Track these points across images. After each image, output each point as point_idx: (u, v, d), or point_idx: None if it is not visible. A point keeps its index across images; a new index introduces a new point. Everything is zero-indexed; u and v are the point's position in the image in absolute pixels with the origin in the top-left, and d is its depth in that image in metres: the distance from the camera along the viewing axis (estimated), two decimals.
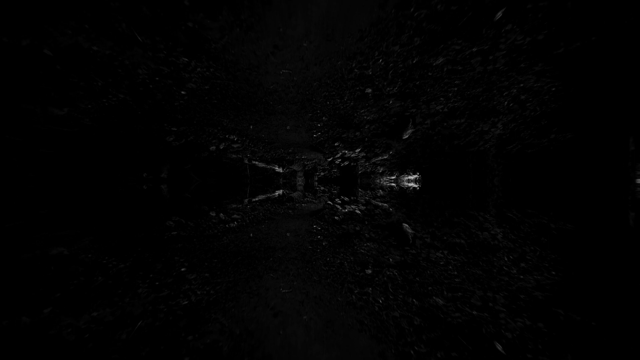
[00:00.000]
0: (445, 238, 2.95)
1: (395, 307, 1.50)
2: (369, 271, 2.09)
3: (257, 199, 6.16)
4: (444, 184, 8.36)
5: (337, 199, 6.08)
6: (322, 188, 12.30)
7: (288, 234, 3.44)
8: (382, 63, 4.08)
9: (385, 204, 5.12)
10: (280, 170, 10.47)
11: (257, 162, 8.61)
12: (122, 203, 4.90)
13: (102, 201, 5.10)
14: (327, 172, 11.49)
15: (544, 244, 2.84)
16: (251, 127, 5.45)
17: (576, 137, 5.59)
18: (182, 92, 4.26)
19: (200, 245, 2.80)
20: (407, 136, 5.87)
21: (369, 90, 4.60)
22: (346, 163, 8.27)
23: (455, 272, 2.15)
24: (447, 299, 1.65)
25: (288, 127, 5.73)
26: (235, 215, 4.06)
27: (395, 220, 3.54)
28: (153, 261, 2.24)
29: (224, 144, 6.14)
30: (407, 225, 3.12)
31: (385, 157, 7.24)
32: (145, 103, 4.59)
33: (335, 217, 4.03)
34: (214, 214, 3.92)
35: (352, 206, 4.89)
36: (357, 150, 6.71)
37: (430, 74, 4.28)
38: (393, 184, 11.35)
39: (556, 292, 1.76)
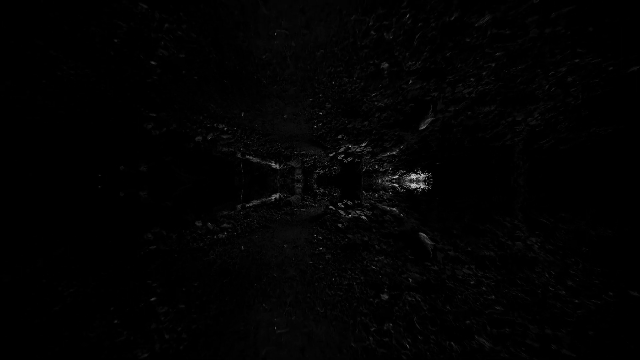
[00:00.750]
0: (470, 249, 2.61)
1: (430, 357, 1.15)
2: (385, 296, 1.75)
3: (251, 204, 5.81)
4: (459, 184, 7.91)
5: (339, 203, 5.72)
6: (322, 190, 11.95)
7: (285, 246, 3.09)
8: (409, 21, 3.23)
9: (394, 208, 4.78)
10: (277, 166, 10.06)
11: (251, 157, 8.12)
12: (93, 209, 4.54)
13: (66, 207, 4.73)
14: (327, 169, 11.10)
15: (585, 254, 2.51)
16: (242, 114, 4.96)
17: (617, 132, 5.14)
18: (152, 63, 3.70)
19: (181, 262, 2.44)
20: (424, 127, 5.32)
21: (385, 65, 4.00)
22: (349, 159, 7.86)
23: (493, 296, 1.80)
24: (494, 339, 1.30)
25: (285, 116, 5.26)
26: (225, 224, 3.71)
27: (409, 228, 3.20)
28: (119, 288, 1.89)
29: (212, 134, 5.67)
30: (424, 235, 2.77)
31: (393, 153, 6.81)
32: (112, 78, 4.01)
33: (339, 225, 3.68)
34: (200, 224, 3.57)
35: (357, 211, 4.55)
36: (363, 144, 6.30)
37: (467, 39, 3.50)
38: (395, 185, 10.97)
39: (624, 322, 1.42)
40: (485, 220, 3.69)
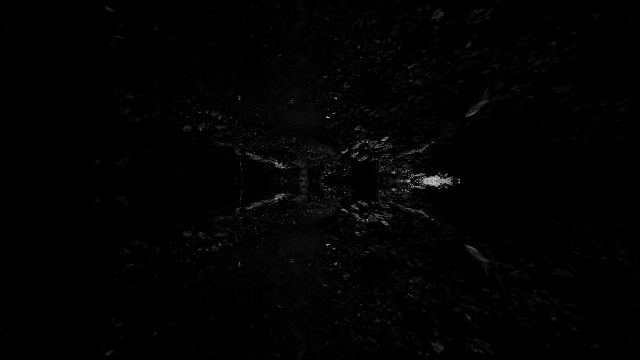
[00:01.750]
0: (532, 265, 2.10)
1: None
2: (440, 347, 1.26)
3: (251, 207, 5.38)
4: (494, 180, 7.13)
5: (353, 205, 5.24)
6: (329, 189, 11.47)
7: (292, 260, 2.65)
8: None
9: (420, 211, 4.27)
10: (281, 166, 9.53)
11: (251, 154, 7.53)
12: (56, 215, 4.18)
13: (21, 217, 4.37)
14: (335, 171, 10.56)
15: None
16: (239, 97, 4.31)
17: None
18: (107, 8, 2.93)
19: (160, 287, 2.01)
20: (473, 113, 4.44)
21: (439, 15, 2.96)
22: (364, 158, 7.25)
23: (596, 344, 1.30)
24: None
25: (292, 101, 4.57)
26: (220, 234, 3.28)
27: (450, 238, 2.70)
28: (68, 330, 1.46)
29: (204, 123, 5.05)
30: (473, 249, 2.28)
31: (419, 151, 6.13)
32: (74, 48, 3.41)
33: (356, 232, 3.21)
34: (189, 234, 3.14)
35: (376, 215, 4.07)
36: (384, 139, 5.59)
37: None
38: (407, 181, 10.37)
39: None
40: (541, 226, 3.16)
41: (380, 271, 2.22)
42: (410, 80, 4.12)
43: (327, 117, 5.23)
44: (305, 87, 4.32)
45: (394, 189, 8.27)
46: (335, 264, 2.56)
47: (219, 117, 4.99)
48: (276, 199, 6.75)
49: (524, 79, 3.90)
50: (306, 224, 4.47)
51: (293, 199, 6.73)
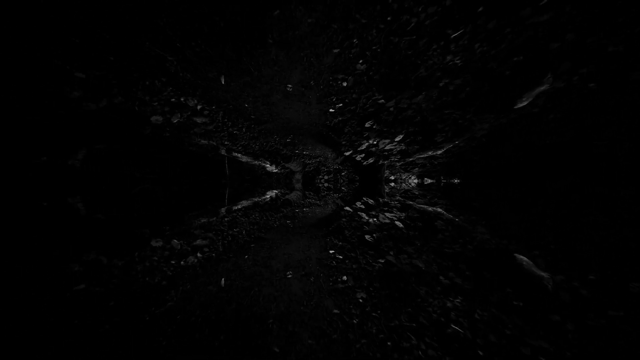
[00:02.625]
0: (593, 278, 1.73)
1: None
2: None
3: (239, 207, 4.92)
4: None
5: (357, 203, 4.82)
6: (326, 184, 11.06)
7: (289, 274, 2.23)
8: None
9: (438, 209, 3.90)
10: (273, 169, 8.99)
11: (239, 155, 6.92)
12: None
13: None
14: (332, 175, 10.08)
15: None
16: (222, 79, 3.55)
17: None
18: None
19: (115, 319, 1.57)
20: (525, 103, 3.65)
21: None
22: (370, 161, 6.75)
23: None
24: None
25: (289, 88, 3.82)
26: (199, 241, 2.83)
27: (493, 246, 2.31)
28: None
29: (178, 114, 4.30)
30: (526, 260, 1.89)
31: (437, 153, 5.60)
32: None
33: (366, 237, 2.80)
34: (159, 243, 2.67)
35: (386, 214, 3.67)
36: (398, 138, 5.01)
37: None
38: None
39: None
40: (594, 226, 2.81)
41: (404, 289, 1.82)
42: (449, 58, 3.32)
43: (330, 110, 4.61)
44: (307, 67, 3.57)
45: (392, 184, 7.91)
46: (344, 278, 2.15)
47: (198, 107, 4.33)
48: (268, 196, 6.29)
49: (595, 60, 3.14)
50: (303, 224, 4.08)
51: (287, 197, 6.29)
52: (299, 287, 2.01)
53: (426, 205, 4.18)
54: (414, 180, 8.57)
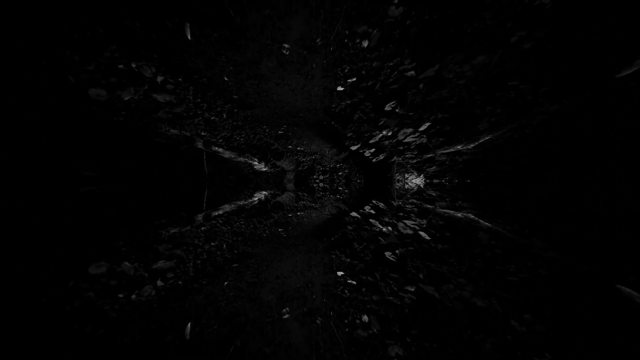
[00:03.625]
0: None
1: None
2: None
3: (220, 212, 4.33)
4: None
5: (366, 207, 4.29)
6: (321, 184, 10.52)
7: (286, 314, 1.70)
8: None
9: (469, 215, 3.40)
10: (262, 167, 8.25)
11: (220, 150, 6.10)
12: None
13: None
14: (328, 175, 9.48)
15: None
16: (188, 30, 2.45)
17: None
18: None
19: None
20: (631, 70, 2.61)
21: None
22: (381, 157, 6.14)
23: None
24: None
25: (285, 49, 2.83)
26: (162, 263, 2.24)
27: (570, 269, 1.81)
28: None
29: (131, 89, 3.23)
30: (632, 292, 1.39)
31: (469, 147, 4.96)
32: None
33: (387, 255, 2.28)
34: (102, 269, 2.07)
35: (405, 221, 3.16)
36: (423, 126, 4.32)
37: None
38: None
39: None
40: None
41: (457, 338, 1.30)
42: None
43: (339, 87, 3.81)
44: (314, 13, 2.57)
45: (410, 181, 7.36)
46: (365, 318, 1.62)
47: (158, 78, 3.37)
48: (256, 198, 5.70)
49: None
50: (299, 233, 3.56)
51: (278, 199, 5.72)
52: (300, 337, 1.46)
53: (450, 209, 3.68)
54: (418, 181, 8.11)
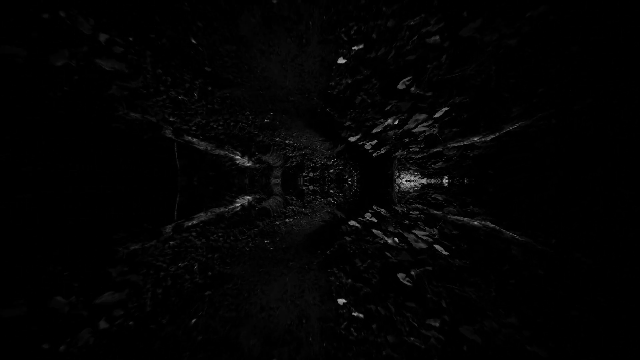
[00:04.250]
0: None
1: None
2: None
3: (195, 222, 3.87)
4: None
5: (367, 214, 3.92)
6: (311, 187, 10.12)
7: None
8: None
9: (486, 222, 3.09)
10: (245, 161, 7.66)
11: (194, 140, 5.31)
12: None
13: None
14: (319, 172, 9.03)
15: None
16: None
17: None
18: None
19: None
20: None
21: None
22: (382, 151, 5.69)
23: None
24: None
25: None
26: (110, 295, 1.80)
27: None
28: None
29: (65, 52, 2.41)
30: None
31: (488, 139, 4.58)
32: None
33: (400, 277, 1.92)
34: (20, 310, 1.60)
35: (417, 233, 2.82)
36: (440, 112, 3.84)
37: None
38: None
39: None
40: None
41: None
42: None
43: (340, 60, 3.20)
44: None
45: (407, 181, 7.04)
46: None
47: (102, 37, 2.51)
48: (239, 204, 5.25)
49: None
50: (288, 244, 3.20)
51: (264, 205, 5.29)
52: None
53: (461, 215, 3.36)
54: (423, 180, 7.78)
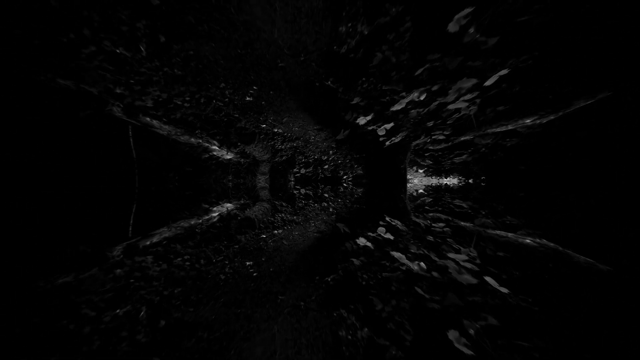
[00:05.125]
0: None
1: None
2: None
3: (155, 241, 3.22)
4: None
5: (380, 229, 3.32)
6: (303, 190, 9.51)
7: None
8: None
9: (543, 240, 2.55)
10: (225, 153, 6.65)
11: (154, 122, 4.09)
12: None
13: None
14: (312, 168, 8.36)
15: None
16: None
17: None
18: None
19: None
20: None
21: None
22: (396, 139, 4.92)
23: None
24: None
25: None
26: None
27: None
28: None
29: None
30: None
31: (539, 122, 3.79)
32: None
33: (451, 335, 1.34)
34: None
35: (453, 256, 2.25)
36: (492, 79, 3.02)
37: None
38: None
39: None
40: None
41: None
42: None
43: (347, 8, 2.32)
44: None
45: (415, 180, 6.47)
46: None
47: None
48: (216, 214, 4.59)
49: None
50: (277, 268, 2.65)
51: (248, 214, 4.66)
52: None
53: (501, 229, 2.80)
54: (428, 179, 7.20)
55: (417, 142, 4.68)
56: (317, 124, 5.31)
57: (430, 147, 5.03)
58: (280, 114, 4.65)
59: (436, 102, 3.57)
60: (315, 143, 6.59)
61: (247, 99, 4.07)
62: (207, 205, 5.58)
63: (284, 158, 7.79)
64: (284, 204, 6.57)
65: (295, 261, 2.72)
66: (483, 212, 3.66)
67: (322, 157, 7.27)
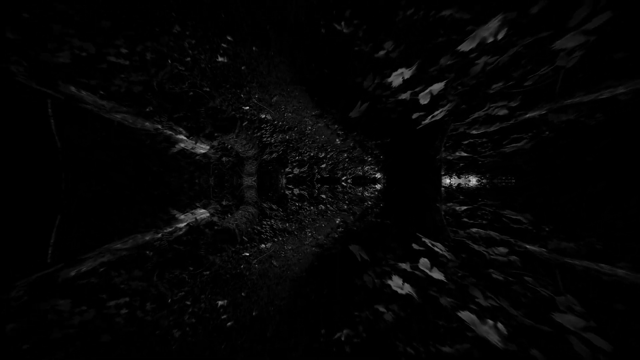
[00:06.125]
0: None
1: None
2: None
3: (86, 267, 2.45)
4: None
5: (423, 258, 2.56)
6: (297, 191, 8.78)
7: None
8: None
9: (623, 272, 1.86)
10: (196, 145, 5.50)
11: (84, 94, 2.98)
12: None
13: None
14: (307, 168, 7.66)
15: None
16: None
17: None
18: None
19: None
20: None
21: None
22: (438, 115, 3.95)
23: None
24: None
25: None
26: None
27: None
28: None
29: None
30: None
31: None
32: None
33: None
34: None
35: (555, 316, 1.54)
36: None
37: None
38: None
39: None
40: None
41: None
42: None
43: None
44: None
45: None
46: None
47: None
48: (182, 224, 3.79)
49: None
50: (261, 312, 1.97)
51: (228, 225, 3.89)
52: None
53: (592, 261, 2.08)
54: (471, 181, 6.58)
55: (478, 115, 3.56)
56: (316, 107, 4.49)
57: (474, 132, 4.06)
58: (269, 89, 3.78)
59: (518, 46, 2.57)
60: (312, 135, 5.80)
61: (219, 59, 3.22)
62: (174, 212, 4.77)
63: (273, 155, 6.98)
64: (273, 206, 5.85)
65: (288, 299, 1.99)
66: (546, 229, 2.95)
67: (320, 153, 6.44)
